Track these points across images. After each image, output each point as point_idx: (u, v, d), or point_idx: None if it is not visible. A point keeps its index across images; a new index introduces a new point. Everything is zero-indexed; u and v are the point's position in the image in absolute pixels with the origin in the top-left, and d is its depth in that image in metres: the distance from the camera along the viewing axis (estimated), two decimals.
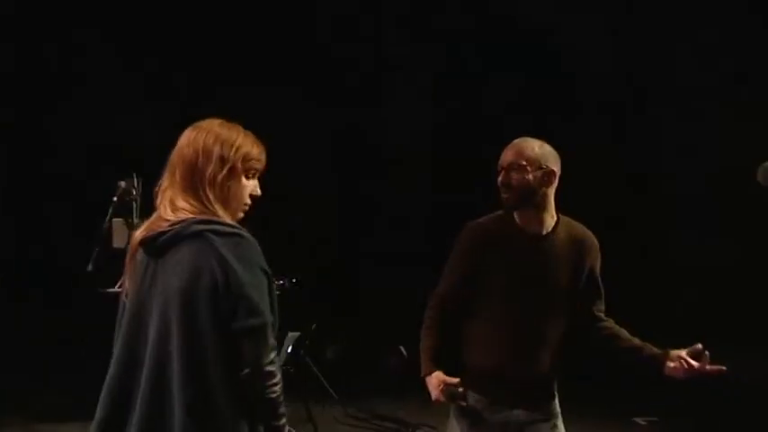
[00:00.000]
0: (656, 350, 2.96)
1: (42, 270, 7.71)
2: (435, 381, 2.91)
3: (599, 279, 3.08)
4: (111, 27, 8.05)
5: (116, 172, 5.45)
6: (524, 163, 2.91)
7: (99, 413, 2.25)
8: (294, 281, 6.15)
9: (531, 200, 2.93)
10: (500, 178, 2.95)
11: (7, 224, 8.00)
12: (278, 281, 5.98)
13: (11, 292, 7.31)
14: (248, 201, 2.32)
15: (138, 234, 2.29)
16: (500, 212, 3.02)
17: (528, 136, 3.03)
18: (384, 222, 9.01)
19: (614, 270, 3.23)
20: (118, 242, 5.52)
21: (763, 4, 7.57)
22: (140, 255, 2.31)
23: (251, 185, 2.32)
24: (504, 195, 2.95)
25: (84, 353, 6.10)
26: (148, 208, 5.17)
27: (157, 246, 2.23)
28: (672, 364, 2.88)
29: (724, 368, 2.87)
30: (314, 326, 6.19)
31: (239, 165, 2.27)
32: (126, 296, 2.31)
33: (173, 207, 2.23)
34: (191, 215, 2.21)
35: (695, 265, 7.98)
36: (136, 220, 5.25)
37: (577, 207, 3.15)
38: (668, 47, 8.49)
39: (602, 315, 3.08)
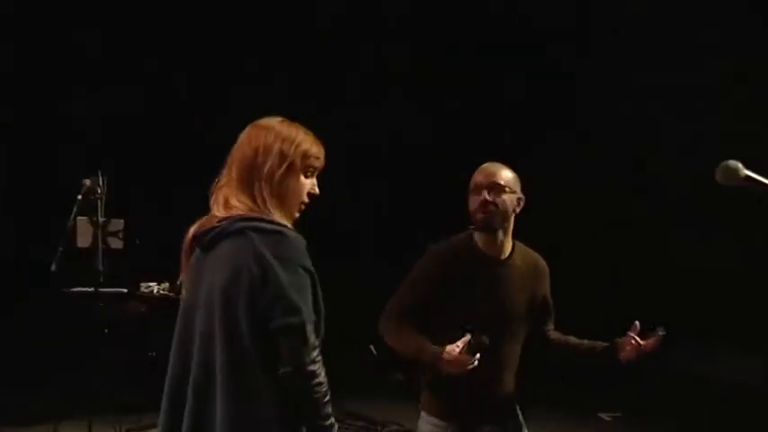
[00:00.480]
0: (605, 344, 3.05)
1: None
2: (452, 351, 2.79)
3: (551, 301, 3.16)
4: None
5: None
6: (503, 184, 2.96)
7: (161, 416, 2.28)
8: None
9: (505, 222, 2.98)
10: (482, 197, 2.94)
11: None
12: None
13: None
14: (306, 199, 2.32)
15: (192, 229, 2.30)
16: (461, 235, 3.04)
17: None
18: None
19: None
20: (82, 241, 5.44)
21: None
22: (195, 251, 2.32)
23: (309, 184, 2.32)
24: (482, 215, 2.94)
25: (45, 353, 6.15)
26: (113, 206, 5.20)
27: (205, 242, 2.25)
28: (625, 350, 2.95)
29: (661, 334, 2.93)
30: None
31: (298, 162, 2.27)
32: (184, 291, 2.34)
33: (225, 204, 2.24)
34: (240, 212, 2.21)
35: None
36: (101, 219, 5.17)
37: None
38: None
39: (552, 330, 3.18)
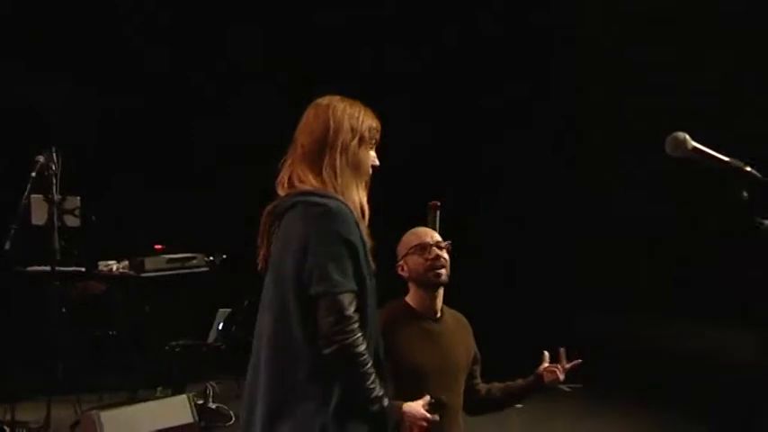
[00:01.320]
0: (528, 378, 3.15)
1: None
2: (415, 408, 2.77)
3: (479, 355, 3.21)
4: None
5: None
6: (441, 241, 3.05)
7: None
8: (224, 257, 6.19)
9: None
10: (437, 253, 2.99)
11: None
12: (207, 257, 6.11)
13: None
14: (370, 170, 2.41)
15: (267, 208, 2.38)
16: (394, 302, 3.08)
17: None
18: None
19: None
20: (37, 219, 5.33)
21: None
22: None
23: (372, 156, 2.42)
24: (438, 271, 2.98)
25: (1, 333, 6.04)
26: (67, 183, 5.10)
27: (272, 219, 2.35)
28: (547, 377, 3.08)
29: (579, 362, 3.05)
30: (246, 302, 6.09)
31: (366, 134, 2.36)
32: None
33: (289, 183, 2.32)
34: (301, 189, 2.29)
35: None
36: (56, 196, 5.06)
37: None
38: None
39: (480, 383, 3.23)
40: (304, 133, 2.35)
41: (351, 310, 2.15)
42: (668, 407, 6.10)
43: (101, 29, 7.69)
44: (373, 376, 2.19)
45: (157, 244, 6.37)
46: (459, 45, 9.04)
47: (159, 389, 5.55)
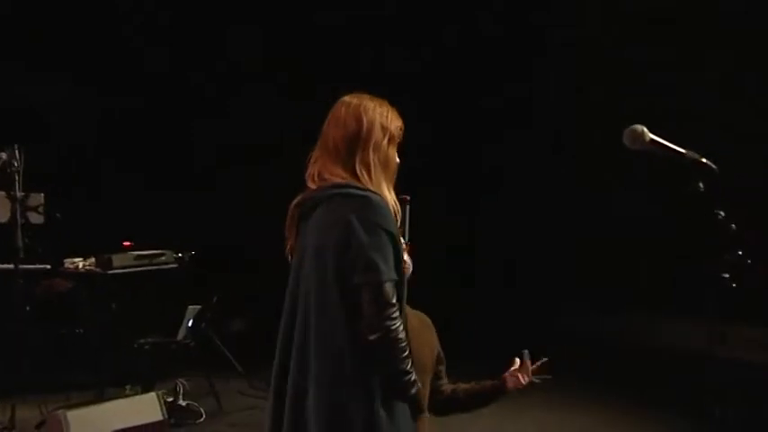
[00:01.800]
0: (492, 381, 3.15)
1: None
2: None
3: (443, 355, 3.20)
4: None
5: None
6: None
7: (276, 358, 2.41)
8: (192, 253, 6.15)
9: None
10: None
11: None
12: (176, 254, 6.03)
13: None
14: (396, 169, 2.49)
15: (294, 202, 2.44)
16: None
17: None
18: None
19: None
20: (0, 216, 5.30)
21: None
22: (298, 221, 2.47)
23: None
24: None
25: None
26: (29, 180, 5.07)
27: (303, 210, 2.40)
28: (510, 382, 3.09)
29: (545, 360, 3.09)
30: (215, 299, 6.09)
31: (395, 134, 2.44)
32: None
33: (319, 177, 2.37)
34: (333, 182, 2.35)
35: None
36: (19, 194, 5.00)
37: None
38: None
39: (446, 383, 3.23)
40: (335, 129, 2.40)
41: (394, 299, 2.23)
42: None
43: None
44: (410, 362, 2.28)
45: (126, 241, 6.28)
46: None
47: (128, 387, 5.48)
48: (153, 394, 4.72)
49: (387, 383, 2.25)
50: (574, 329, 7.80)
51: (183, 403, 5.56)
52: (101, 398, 5.20)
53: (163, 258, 6.00)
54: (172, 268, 6.06)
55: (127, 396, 4.94)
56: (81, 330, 6.11)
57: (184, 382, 5.66)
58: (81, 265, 5.89)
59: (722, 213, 2.14)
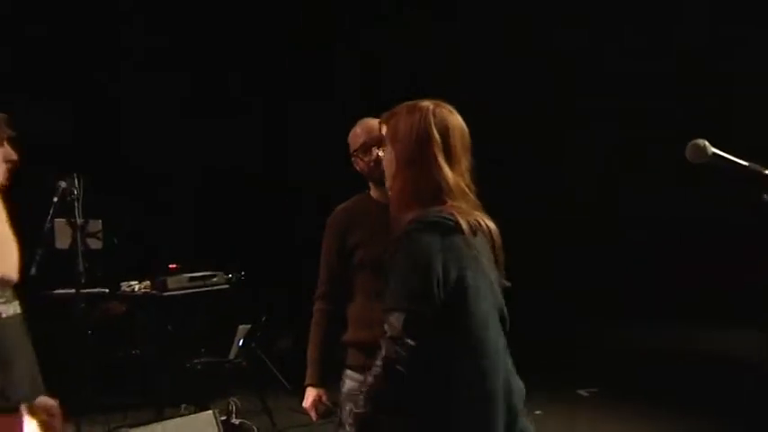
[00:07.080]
0: None
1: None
2: (314, 396, 3.12)
3: None
4: None
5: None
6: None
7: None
8: (242, 274, 6.25)
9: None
10: (377, 154, 2.96)
11: None
12: (227, 275, 6.19)
13: None
14: None
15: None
16: (360, 195, 3.13)
17: None
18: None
19: None
20: (61, 243, 5.47)
21: None
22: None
23: None
24: (376, 171, 2.95)
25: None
26: (89, 207, 5.20)
27: None
28: None
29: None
30: (264, 318, 6.22)
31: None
32: None
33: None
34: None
35: None
36: (79, 220, 5.17)
37: None
38: None
39: None
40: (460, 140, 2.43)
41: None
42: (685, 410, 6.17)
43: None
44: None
45: (171, 264, 6.40)
46: None
47: (183, 406, 5.59)
48: (210, 412, 4.80)
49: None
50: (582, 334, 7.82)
51: (236, 421, 5.66)
52: (160, 417, 5.28)
53: (215, 279, 6.10)
54: (223, 289, 6.14)
55: (183, 415, 5.03)
56: (137, 351, 6.19)
57: (237, 401, 5.75)
58: (137, 287, 5.98)
59: None
